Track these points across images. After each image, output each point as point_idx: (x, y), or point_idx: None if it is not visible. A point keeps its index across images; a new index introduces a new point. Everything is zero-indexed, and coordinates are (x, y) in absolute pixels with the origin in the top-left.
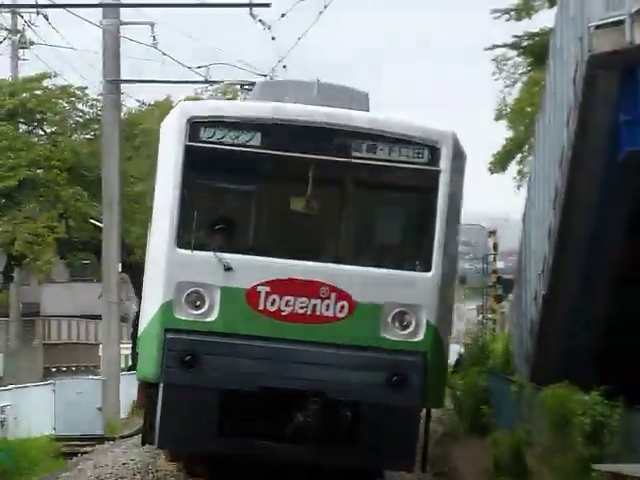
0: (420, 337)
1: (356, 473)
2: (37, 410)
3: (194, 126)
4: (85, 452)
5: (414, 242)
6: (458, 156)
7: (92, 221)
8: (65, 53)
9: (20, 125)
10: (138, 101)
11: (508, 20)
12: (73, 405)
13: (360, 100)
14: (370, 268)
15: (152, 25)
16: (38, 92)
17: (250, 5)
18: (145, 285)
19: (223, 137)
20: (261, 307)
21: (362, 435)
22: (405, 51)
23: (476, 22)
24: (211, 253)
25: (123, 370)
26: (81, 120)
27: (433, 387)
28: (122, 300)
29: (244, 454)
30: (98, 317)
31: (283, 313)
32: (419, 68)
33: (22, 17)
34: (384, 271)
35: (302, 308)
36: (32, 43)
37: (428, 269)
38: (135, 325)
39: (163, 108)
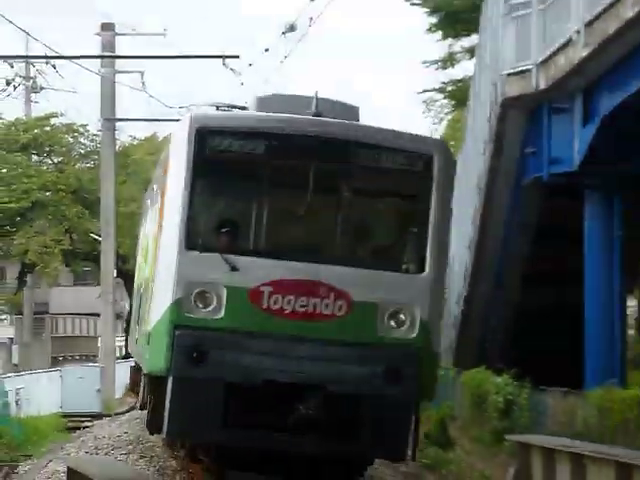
0: (414, 334)
1: (351, 462)
2: (46, 392)
3: (202, 135)
4: (86, 426)
5: (409, 245)
6: (449, 164)
7: (92, 235)
8: (69, 96)
9: (32, 156)
10: (130, 136)
11: (436, 69)
12: (76, 387)
13: (353, 113)
14: (367, 269)
15: (142, 73)
16: (47, 129)
17: (222, 57)
18: (154, 284)
19: (230, 145)
20: (265, 305)
21: (360, 426)
22: (352, 93)
23: (409, 71)
24: (218, 254)
25: (118, 358)
26: (83, 152)
27: (426, 381)
28: (117, 300)
29: (248, 445)
30: (97, 315)
31: (285, 311)
32: (361, 109)
33: (34, 66)
34: (381, 272)
35: (303, 307)
36: (42, 88)
37: (422, 270)
38: (128, 321)
39: (150, 142)
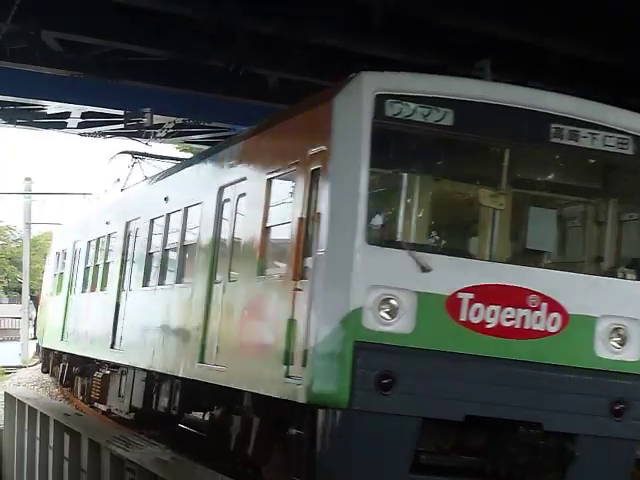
0: None
1: None
2: None
3: (380, 100)
4: (13, 372)
5: (632, 244)
6: None
7: (18, 279)
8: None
9: None
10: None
11: None
12: (8, 353)
13: None
14: (585, 275)
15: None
16: None
17: (84, 194)
18: (318, 287)
19: (411, 114)
20: (463, 318)
21: (575, 470)
22: None
23: None
24: (405, 251)
25: (30, 339)
26: (14, 238)
27: None
28: (29, 311)
29: None
30: (20, 317)
31: (488, 326)
32: None
33: None
34: (600, 279)
35: (509, 320)
36: None
37: None
38: (35, 323)
39: (48, 235)
